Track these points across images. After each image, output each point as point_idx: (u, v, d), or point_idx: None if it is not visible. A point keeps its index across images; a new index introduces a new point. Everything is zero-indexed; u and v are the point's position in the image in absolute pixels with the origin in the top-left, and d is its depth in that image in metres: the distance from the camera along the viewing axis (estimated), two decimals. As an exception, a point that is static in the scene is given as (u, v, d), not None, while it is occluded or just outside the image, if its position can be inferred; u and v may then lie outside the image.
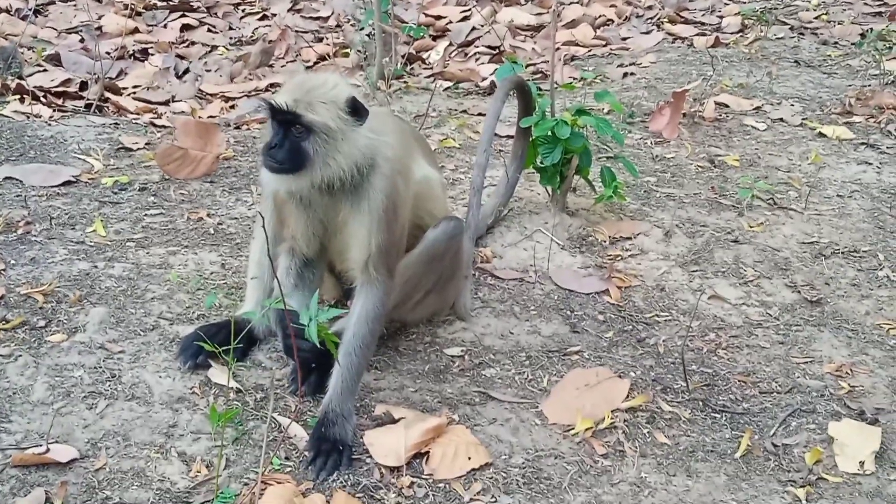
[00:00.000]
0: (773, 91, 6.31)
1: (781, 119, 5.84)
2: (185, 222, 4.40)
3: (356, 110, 3.27)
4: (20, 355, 3.49)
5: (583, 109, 4.40)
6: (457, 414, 3.42)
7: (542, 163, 4.40)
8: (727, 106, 5.98)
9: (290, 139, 3.25)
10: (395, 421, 3.33)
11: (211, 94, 6.59)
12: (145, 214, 4.44)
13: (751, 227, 4.60)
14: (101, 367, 3.48)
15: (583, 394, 3.53)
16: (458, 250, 3.71)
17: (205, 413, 3.33)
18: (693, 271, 4.28)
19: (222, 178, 4.83)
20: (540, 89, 4.54)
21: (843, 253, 4.45)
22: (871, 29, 7.87)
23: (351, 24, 7.97)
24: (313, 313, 2.93)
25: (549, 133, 4.26)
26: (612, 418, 3.43)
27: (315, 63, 7.20)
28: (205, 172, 4.78)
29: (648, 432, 3.42)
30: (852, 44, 7.61)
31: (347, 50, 7.41)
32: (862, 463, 3.35)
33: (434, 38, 7.98)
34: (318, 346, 2.99)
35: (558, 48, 7.43)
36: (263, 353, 3.65)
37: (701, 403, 3.56)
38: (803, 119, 5.84)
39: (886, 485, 3.27)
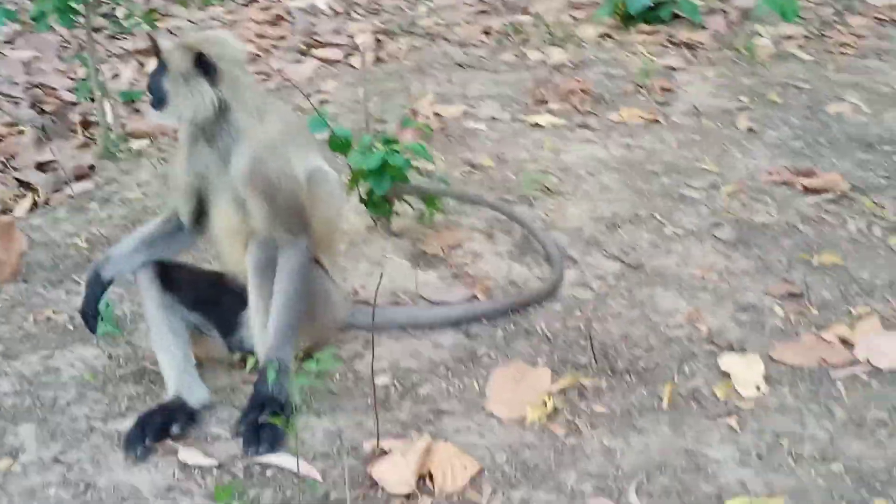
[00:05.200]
0: (464, 94, 6.85)
1: (494, 117, 6.39)
2: (34, 325, 4.25)
3: (204, 66, 3.56)
4: (-17, 491, 3.31)
5: (390, 139, 4.68)
6: (425, 433, 3.63)
7: (368, 195, 4.64)
8: (440, 115, 6.44)
9: (158, 72, 3.62)
10: (385, 453, 3.50)
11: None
12: (-14, 328, 4.23)
13: (546, 214, 5.08)
14: (70, 481, 3.39)
15: (516, 388, 3.85)
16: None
17: (201, 495, 3.34)
18: (527, 262, 4.69)
19: (32, 275, 4.65)
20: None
21: (629, 221, 5.04)
22: (490, 27, 8.66)
23: (6, 100, 7.64)
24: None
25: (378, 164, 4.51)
26: (551, 403, 3.77)
27: (-6, 146, 6.86)
28: (12, 273, 4.58)
29: (586, 406, 3.80)
30: (482, 42, 8.33)
31: (21, 128, 7.11)
32: (758, 386, 3.92)
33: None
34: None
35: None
36: (213, 424, 3.67)
37: (609, 371, 3.99)
38: (511, 114, 6.42)
39: (784, 398, 3.84)
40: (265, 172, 3.60)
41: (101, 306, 3.76)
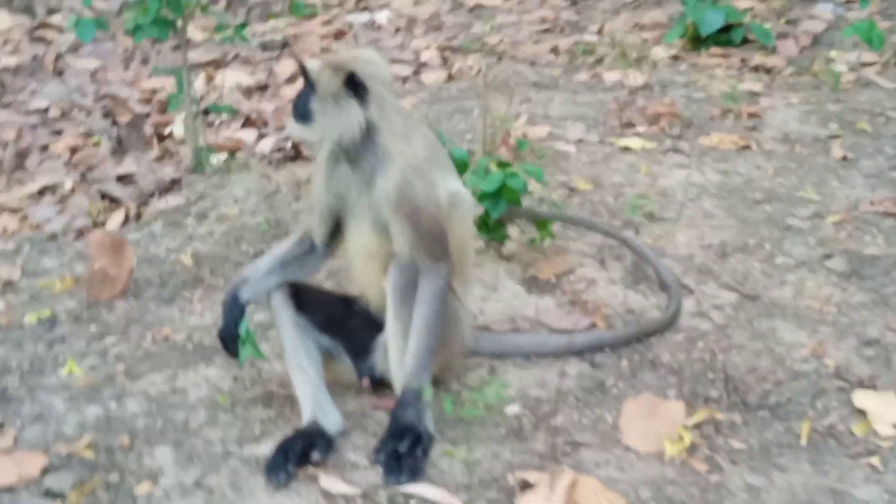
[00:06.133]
0: (547, 115, 6.77)
1: (581, 139, 6.31)
2: (153, 344, 4.19)
3: (353, 85, 3.50)
4: (131, 514, 3.25)
5: (503, 161, 4.61)
6: (564, 465, 3.55)
7: (483, 218, 4.57)
8: (525, 135, 6.36)
9: (305, 92, 3.58)
10: (530, 485, 3.42)
11: (-12, 211, 6.09)
12: (105, 345, 4.16)
13: (654, 241, 5.00)
14: (215, 507, 3.31)
15: (650, 421, 3.77)
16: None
17: (348, 525, 3.26)
18: (641, 290, 4.61)
19: (141, 293, 4.58)
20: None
21: (739, 249, 4.96)
22: (558, 46, 8.60)
23: (79, 110, 7.59)
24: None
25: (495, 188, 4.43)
26: (688, 437, 3.69)
27: (71, 156, 6.81)
28: (122, 290, 4.52)
29: (723, 441, 3.72)
30: (551, 61, 8.26)
31: (95, 139, 7.06)
32: (895, 425, 3.83)
33: (162, 112, 7.75)
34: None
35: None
36: (349, 450, 3.59)
37: (742, 405, 3.91)
38: (599, 136, 6.34)
39: (923, 439, 3.77)
40: (412, 196, 3.53)
41: (242, 330, 3.67)
